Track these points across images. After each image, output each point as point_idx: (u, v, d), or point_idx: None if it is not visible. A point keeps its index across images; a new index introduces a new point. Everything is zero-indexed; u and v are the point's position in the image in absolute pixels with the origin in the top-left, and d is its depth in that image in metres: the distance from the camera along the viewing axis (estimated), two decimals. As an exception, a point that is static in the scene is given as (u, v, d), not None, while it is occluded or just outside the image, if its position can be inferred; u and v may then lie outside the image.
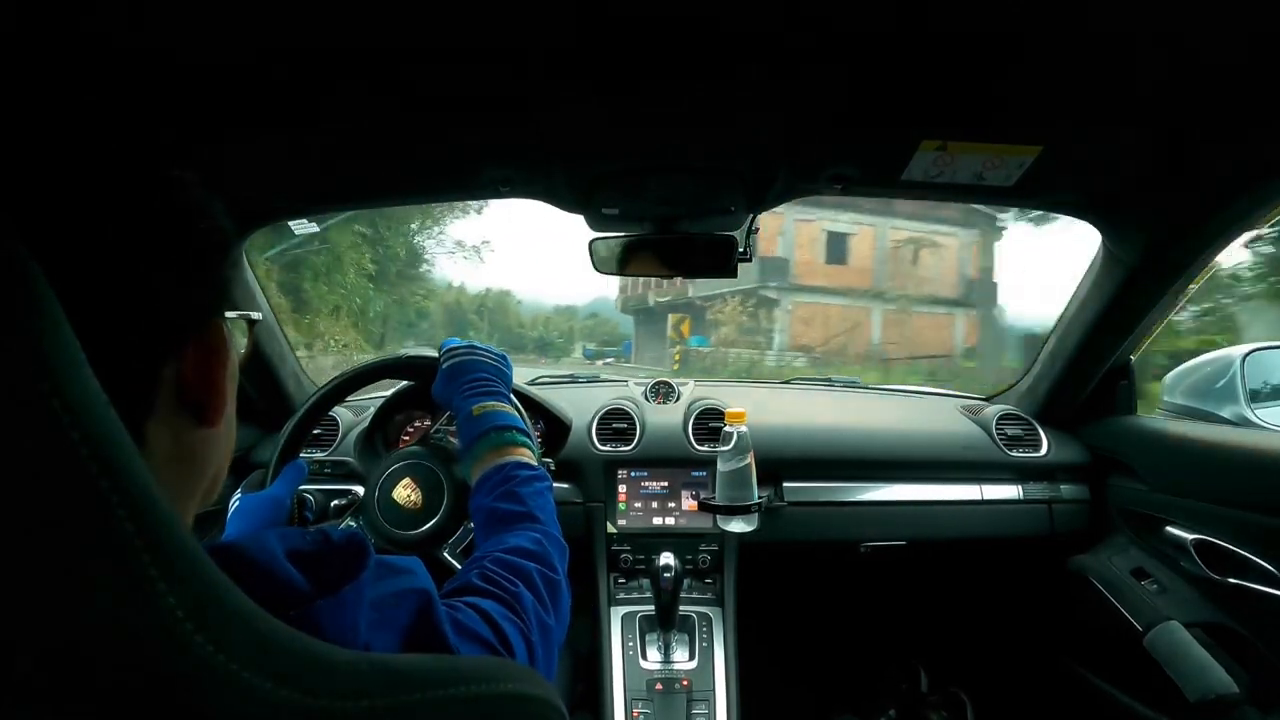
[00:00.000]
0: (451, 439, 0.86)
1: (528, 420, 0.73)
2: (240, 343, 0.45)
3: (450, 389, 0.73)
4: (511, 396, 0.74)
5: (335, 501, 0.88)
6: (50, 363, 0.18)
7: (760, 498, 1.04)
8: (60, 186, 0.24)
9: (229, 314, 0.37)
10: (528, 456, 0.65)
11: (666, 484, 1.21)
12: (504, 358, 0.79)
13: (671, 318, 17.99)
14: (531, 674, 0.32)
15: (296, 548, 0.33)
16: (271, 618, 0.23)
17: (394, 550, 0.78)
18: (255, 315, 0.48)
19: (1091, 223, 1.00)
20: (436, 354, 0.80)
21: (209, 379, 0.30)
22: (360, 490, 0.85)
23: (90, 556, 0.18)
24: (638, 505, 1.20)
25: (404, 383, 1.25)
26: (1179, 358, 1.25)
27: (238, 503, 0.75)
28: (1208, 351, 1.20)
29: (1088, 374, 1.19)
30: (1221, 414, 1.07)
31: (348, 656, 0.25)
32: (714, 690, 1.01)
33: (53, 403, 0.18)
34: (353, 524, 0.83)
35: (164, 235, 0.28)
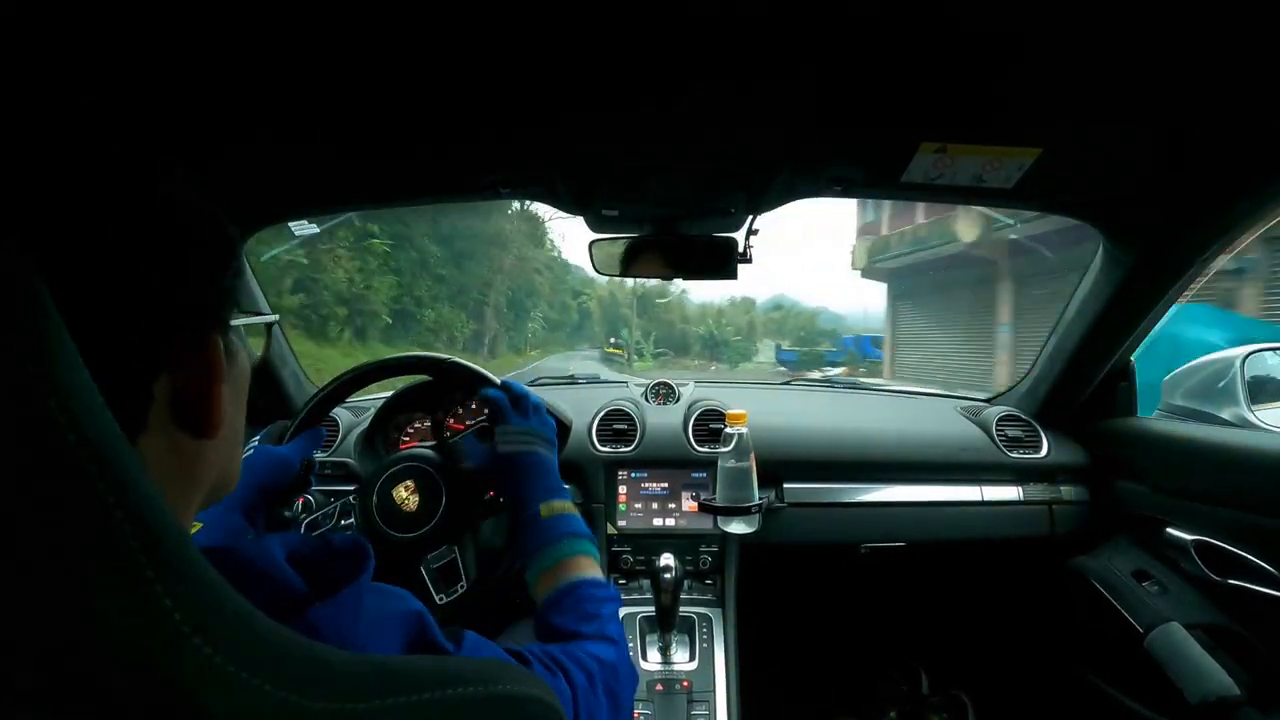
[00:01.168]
0: (467, 460, 0.85)
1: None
2: (256, 345, 0.45)
3: (516, 472, 0.71)
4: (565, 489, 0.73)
5: (335, 500, 0.88)
6: (49, 366, 0.19)
7: (761, 499, 1.03)
8: (54, 193, 0.24)
9: (243, 320, 0.37)
10: (595, 569, 0.63)
11: (667, 485, 1.21)
12: (553, 426, 0.79)
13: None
14: (529, 675, 0.32)
15: (296, 551, 0.33)
16: (269, 619, 0.23)
17: (379, 548, 0.78)
18: (272, 318, 0.48)
19: (1091, 224, 1.00)
20: (494, 378, 0.82)
21: (205, 394, 0.30)
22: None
23: (88, 558, 0.18)
24: (638, 506, 1.20)
25: (405, 384, 1.25)
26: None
27: (251, 451, 0.76)
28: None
29: (1088, 375, 1.19)
30: (1222, 415, 1.07)
31: (346, 658, 0.25)
32: (714, 691, 1.01)
33: (51, 404, 0.18)
34: (348, 495, 0.84)
35: (156, 251, 0.27)
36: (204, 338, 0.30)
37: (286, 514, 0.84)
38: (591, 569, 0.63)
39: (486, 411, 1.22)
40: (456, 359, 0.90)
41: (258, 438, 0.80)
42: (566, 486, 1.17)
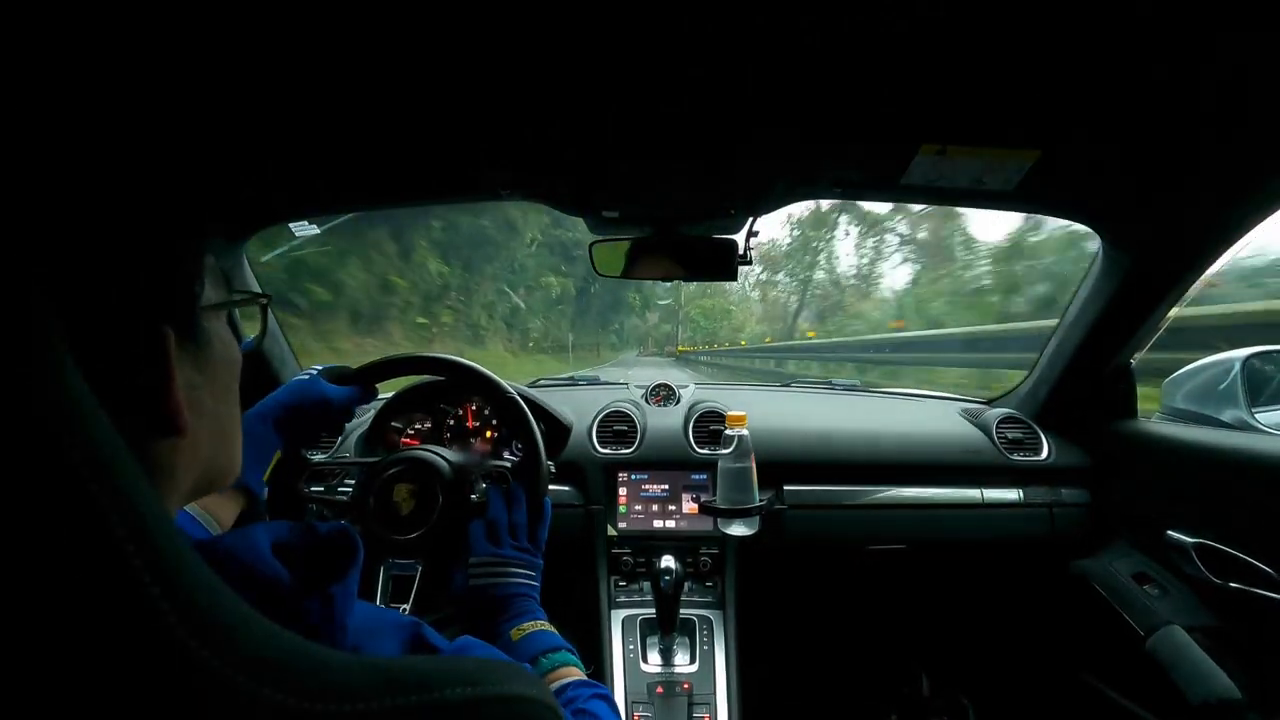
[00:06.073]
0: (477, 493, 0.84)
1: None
2: (252, 329, 0.44)
3: (485, 605, 0.69)
4: (538, 598, 0.71)
5: (338, 495, 0.87)
6: (39, 367, 0.18)
7: (761, 501, 1.03)
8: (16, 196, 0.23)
9: (229, 301, 0.35)
10: (577, 672, 0.62)
11: (667, 486, 1.21)
12: (539, 546, 0.76)
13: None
14: (526, 674, 0.32)
15: (283, 541, 0.33)
16: (263, 619, 0.23)
17: (369, 545, 0.78)
18: (261, 297, 0.45)
19: (1091, 226, 1.00)
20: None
21: (158, 391, 0.28)
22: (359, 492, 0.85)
23: (81, 559, 0.18)
24: (638, 508, 1.20)
25: (407, 385, 1.25)
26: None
27: (306, 378, 0.78)
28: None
29: (1089, 377, 1.19)
30: (1222, 418, 1.06)
31: (341, 659, 0.24)
32: (715, 693, 1.01)
33: (34, 394, 0.18)
34: (346, 493, 0.82)
35: (87, 245, 0.26)
36: (149, 333, 0.28)
37: (306, 453, 0.84)
38: (573, 674, 0.62)
39: (495, 420, 1.23)
40: (482, 369, 0.89)
41: (318, 367, 0.82)
42: (565, 488, 1.19)
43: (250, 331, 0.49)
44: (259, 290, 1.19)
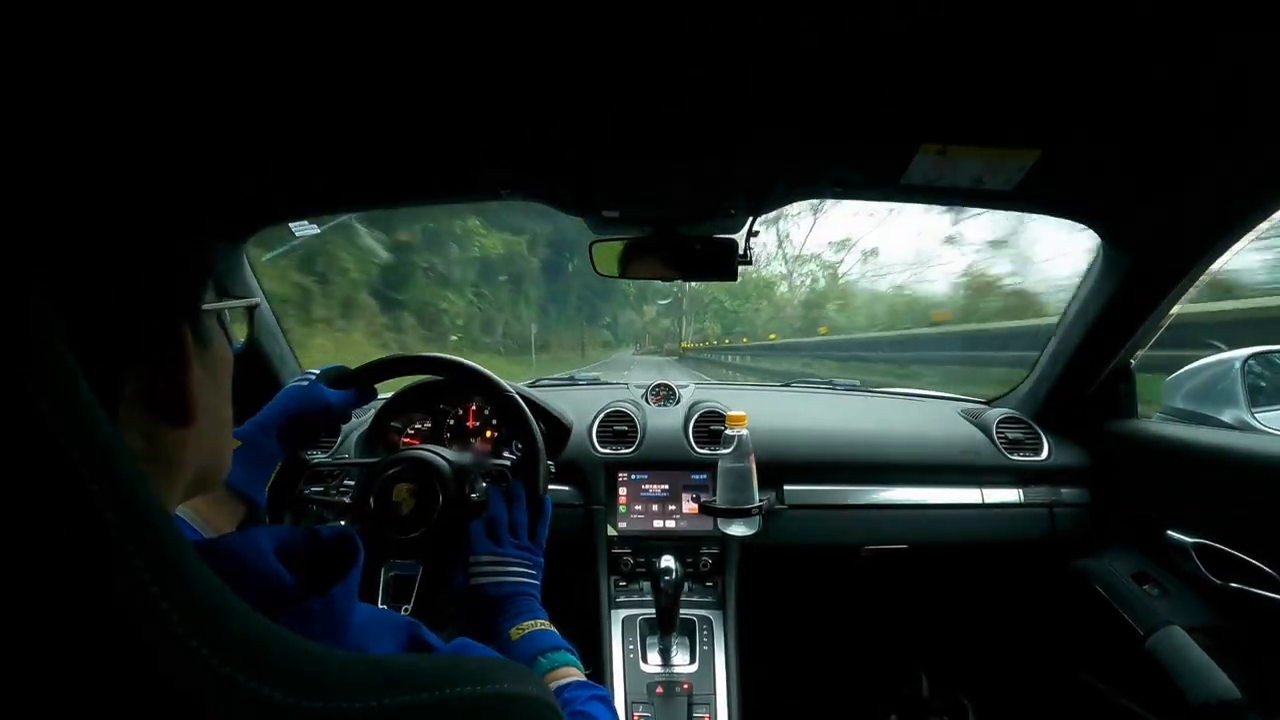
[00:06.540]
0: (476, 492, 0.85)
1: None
2: (240, 331, 0.45)
3: (485, 604, 0.69)
4: (538, 597, 0.71)
5: (337, 495, 0.87)
6: (39, 367, 0.18)
7: (761, 501, 1.03)
8: (31, 194, 0.24)
9: (220, 305, 0.36)
10: (576, 673, 0.62)
11: (667, 487, 1.21)
12: (539, 545, 0.77)
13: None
14: (526, 673, 0.32)
15: (286, 545, 0.33)
16: (264, 618, 0.23)
17: (369, 545, 0.78)
18: (253, 302, 0.48)
19: (1091, 226, 1.00)
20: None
21: (176, 383, 0.30)
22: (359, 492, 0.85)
23: (77, 557, 0.18)
24: (638, 508, 1.20)
25: (407, 385, 1.25)
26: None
27: (305, 384, 0.78)
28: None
29: (1089, 377, 1.19)
30: (1222, 418, 1.07)
31: (342, 657, 0.25)
32: (715, 693, 1.01)
33: (33, 392, 0.18)
34: (347, 493, 0.82)
35: (121, 247, 0.27)
36: (171, 329, 0.30)
37: (305, 455, 0.84)
38: (572, 674, 0.62)
39: (495, 420, 1.23)
40: (481, 368, 0.89)
41: (315, 371, 0.82)
42: (565, 487, 1.19)
43: (238, 335, 0.51)
44: (260, 289, 1.20)
